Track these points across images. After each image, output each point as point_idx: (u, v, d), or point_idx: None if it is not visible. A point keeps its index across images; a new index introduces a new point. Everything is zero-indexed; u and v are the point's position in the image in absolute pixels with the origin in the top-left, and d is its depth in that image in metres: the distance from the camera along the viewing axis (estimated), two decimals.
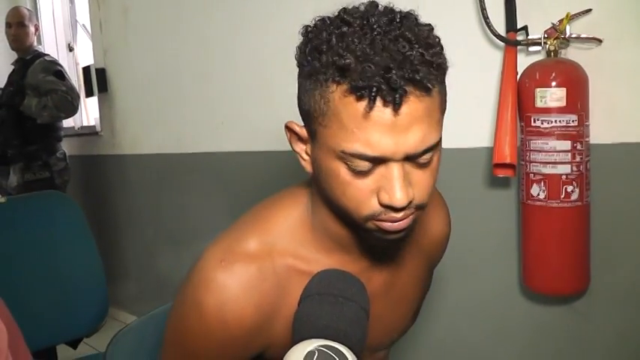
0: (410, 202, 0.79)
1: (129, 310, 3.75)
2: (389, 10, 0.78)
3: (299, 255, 0.92)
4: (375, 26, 0.74)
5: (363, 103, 0.73)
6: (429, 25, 0.79)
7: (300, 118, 0.86)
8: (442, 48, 0.78)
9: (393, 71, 0.71)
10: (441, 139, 0.80)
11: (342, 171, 0.78)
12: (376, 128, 0.74)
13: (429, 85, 0.74)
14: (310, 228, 0.93)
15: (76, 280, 2.10)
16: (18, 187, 3.50)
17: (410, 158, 0.77)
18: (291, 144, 0.88)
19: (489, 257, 1.95)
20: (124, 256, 3.83)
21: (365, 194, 0.79)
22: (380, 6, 0.80)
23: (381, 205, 0.79)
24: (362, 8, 0.79)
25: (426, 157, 0.79)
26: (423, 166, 0.79)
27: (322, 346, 0.71)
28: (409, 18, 0.77)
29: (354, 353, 0.74)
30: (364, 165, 0.77)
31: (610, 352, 1.72)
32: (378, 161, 0.76)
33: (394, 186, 0.77)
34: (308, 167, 0.87)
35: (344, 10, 0.79)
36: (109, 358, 1.23)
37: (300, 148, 0.87)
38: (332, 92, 0.75)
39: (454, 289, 2.06)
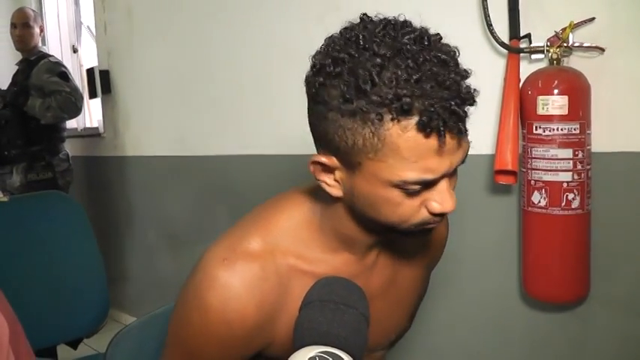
0: None
1: (130, 312, 3.75)
2: (404, 27, 0.78)
3: (301, 255, 0.94)
4: (410, 53, 0.74)
5: (432, 139, 0.75)
6: (439, 35, 0.80)
7: (319, 145, 0.86)
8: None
9: (453, 102, 0.73)
10: None
11: (394, 195, 0.80)
12: (438, 155, 0.77)
13: (476, 101, 0.78)
14: (317, 230, 0.95)
15: (77, 281, 2.10)
16: (21, 187, 3.51)
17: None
18: (315, 174, 0.88)
19: (490, 263, 1.96)
20: (125, 257, 3.83)
21: (415, 209, 0.82)
22: (386, 22, 0.79)
23: (432, 214, 0.83)
24: (371, 29, 0.78)
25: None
26: (454, 173, 0.83)
27: (323, 352, 0.72)
28: (427, 33, 0.78)
29: (355, 357, 0.74)
30: (419, 186, 0.79)
31: (609, 358, 1.72)
32: (434, 182, 0.80)
33: (446, 198, 0.81)
34: (336, 193, 0.87)
35: (359, 36, 0.77)
36: (109, 359, 1.24)
37: (326, 177, 0.87)
38: (388, 130, 0.75)
39: (454, 295, 2.06)
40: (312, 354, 0.72)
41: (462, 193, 1.92)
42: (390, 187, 0.79)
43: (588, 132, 1.58)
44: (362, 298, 0.81)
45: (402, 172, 0.77)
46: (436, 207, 0.81)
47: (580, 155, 1.56)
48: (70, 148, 3.79)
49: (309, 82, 0.82)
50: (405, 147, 0.75)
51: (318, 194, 0.95)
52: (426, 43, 0.76)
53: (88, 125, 4.36)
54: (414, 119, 0.73)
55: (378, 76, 0.73)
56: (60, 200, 2.25)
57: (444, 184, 0.80)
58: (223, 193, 2.95)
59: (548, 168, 1.58)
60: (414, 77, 0.73)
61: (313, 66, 0.81)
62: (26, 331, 0.91)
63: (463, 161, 0.81)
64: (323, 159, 0.84)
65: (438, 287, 2.02)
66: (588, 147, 1.58)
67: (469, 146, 0.82)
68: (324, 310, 0.77)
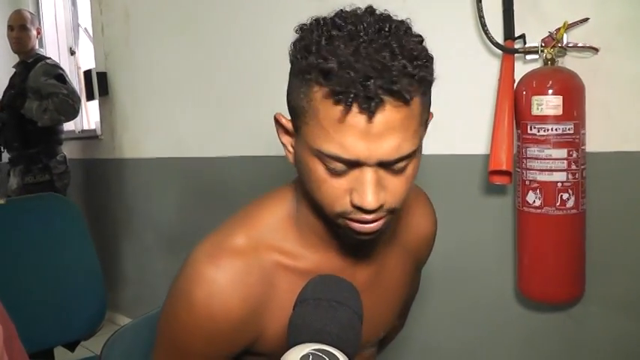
0: (381, 206, 0.82)
1: (127, 314, 3.76)
2: (383, 18, 0.80)
3: (285, 250, 0.96)
4: (362, 33, 0.76)
5: (340, 108, 0.76)
6: (419, 36, 0.81)
7: (288, 112, 0.88)
8: (430, 60, 0.80)
9: (372, 80, 0.73)
10: (418, 148, 0.83)
11: (319, 168, 0.82)
12: (350, 133, 0.77)
13: (407, 96, 0.75)
14: (296, 225, 0.97)
15: (74, 283, 2.10)
16: (18, 190, 3.52)
17: (384, 165, 0.80)
18: (278, 135, 0.92)
19: (485, 263, 1.96)
20: (122, 259, 3.84)
21: (338, 192, 0.82)
22: (377, 12, 0.82)
23: (352, 205, 0.82)
24: (358, 13, 0.82)
25: (401, 164, 0.81)
26: (397, 172, 0.82)
27: (316, 349, 0.72)
28: (400, 28, 0.79)
29: (348, 356, 0.75)
30: (339, 166, 0.80)
31: (605, 358, 1.72)
32: (352, 164, 0.79)
33: (366, 189, 0.80)
34: (291, 159, 0.90)
35: (340, 12, 0.82)
36: (104, 359, 1.24)
37: (287, 140, 0.91)
38: (314, 92, 0.78)
39: (449, 295, 2.07)
40: (305, 351, 0.72)
41: (457, 192, 1.95)
42: (315, 158, 0.81)
43: (583, 132, 1.58)
44: (355, 295, 0.82)
45: (319, 141, 0.79)
46: (355, 197, 0.80)
47: (574, 155, 1.57)
48: (67, 150, 3.79)
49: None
50: (323, 113, 0.78)
51: (300, 188, 0.96)
52: (385, 30, 0.77)
53: (85, 127, 4.36)
54: (332, 85, 0.75)
55: (325, 42, 0.77)
56: (57, 202, 2.25)
57: (368, 176, 0.79)
58: (221, 195, 2.95)
59: (543, 168, 1.58)
60: (351, 49, 0.75)
61: (294, 31, 0.86)
62: (23, 334, 0.91)
63: (398, 161, 0.80)
64: (283, 119, 0.89)
65: (433, 287, 2.03)
66: (583, 147, 1.59)
67: (408, 148, 0.79)
68: (318, 308, 0.78)
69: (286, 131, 0.90)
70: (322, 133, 0.78)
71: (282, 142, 0.92)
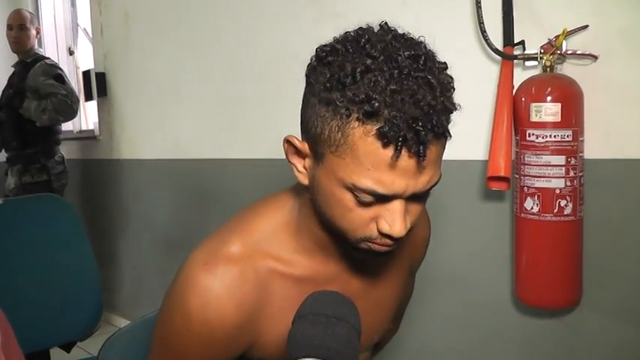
0: None
1: (124, 315, 3.75)
2: (410, 44, 0.79)
3: (280, 258, 0.96)
4: (400, 65, 0.75)
5: (389, 151, 0.75)
6: (445, 64, 0.81)
7: (300, 130, 0.87)
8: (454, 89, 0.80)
9: (420, 123, 0.73)
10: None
11: (346, 198, 0.81)
12: (397, 174, 0.77)
13: (448, 134, 0.77)
14: (294, 231, 0.97)
15: (71, 283, 2.09)
16: (16, 190, 3.51)
17: (415, 195, 0.81)
18: (287, 155, 0.90)
19: (482, 269, 1.96)
20: (119, 260, 3.83)
21: (364, 220, 0.83)
22: (397, 32, 0.81)
23: (380, 232, 0.83)
24: (380, 35, 0.80)
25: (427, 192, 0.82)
26: (419, 197, 0.83)
27: None
28: (430, 57, 0.78)
29: None
30: (371, 198, 0.80)
31: None
32: (387, 198, 0.80)
33: (396, 219, 0.81)
34: (303, 180, 0.89)
35: (363, 34, 0.80)
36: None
37: (297, 161, 0.89)
38: (352, 128, 0.76)
39: (447, 300, 2.07)
40: None
41: (456, 198, 1.95)
42: (344, 189, 0.81)
43: (581, 139, 1.59)
44: (353, 310, 0.82)
45: (356, 176, 0.78)
46: (384, 226, 0.82)
47: (573, 162, 1.57)
48: (65, 150, 3.78)
49: (308, 65, 0.84)
50: (363, 151, 0.76)
51: (298, 196, 0.97)
52: (421, 63, 0.76)
53: (83, 128, 4.36)
54: (377, 126, 0.74)
55: (360, 75, 0.75)
56: (54, 203, 2.24)
57: (397, 205, 0.81)
58: (218, 197, 2.95)
59: (541, 174, 1.59)
60: (392, 87, 0.74)
61: (316, 51, 0.83)
62: (19, 334, 0.91)
63: (427, 191, 0.81)
64: (296, 141, 0.86)
65: (430, 292, 2.03)
66: (581, 154, 1.59)
67: (437, 178, 0.81)
68: (316, 324, 0.78)
69: (298, 152, 0.88)
70: (359, 168, 0.77)
71: (290, 162, 0.90)
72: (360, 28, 0.83)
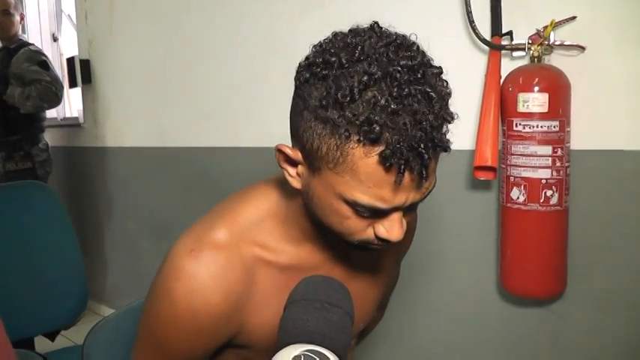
0: None
1: (108, 304, 3.74)
2: (405, 51, 0.77)
3: (266, 246, 0.96)
4: (399, 81, 0.73)
5: (391, 174, 0.75)
6: (440, 69, 0.80)
7: (291, 136, 0.86)
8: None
9: (422, 145, 0.73)
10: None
11: (344, 209, 0.81)
12: (400, 192, 0.77)
13: (449, 148, 0.77)
14: (281, 220, 0.97)
15: (55, 271, 2.08)
16: None
17: (412, 203, 0.81)
18: (278, 162, 0.88)
19: (468, 259, 1.97)
20: (104, 249, 3.81)
21: (362, 227, 0.84)
22: (391, 40, 0.78)
23: (377, 237, 0.84)
24: (373, 42, 0.77)
25: None
26: (418, 202, 0.83)
27: (308, 350, 0.72)
28: (426, 64, 0.77)
29: (339, 357, 0.75)
30: (370, 211, 0.80)
31: (585, 354, 1.74)
32: (386, 212, 0.80)
33: (394, 227, 0.82)
34: (296, 185, 0.88)
35: (358, 46, 0.77)
36: (87, 350, 1.23)
37: (289, 167, 0.88)
38: (352, 148, 0.75)
39: (433, 289, 2.07)
40: (297, 352, 0.72)
41: (442, 188, 1.94)
42: (342, 202, 0.80)
43: (568, 129, 1.59)
44: (346, 296, 0.82)
45: (356, 193, 0.78)
46: (382, 232, 0.83)
47: (559, 152, 1.58)
48: (49, 138, 3.76)
49: (298, 71, 0.82)
50: (364, 171, 0.76)
51: (285, 186, 0.96)
52: (419, 75, 0.75)
53: (67, 115, 4.32)
54: (379, 149, 0.73)
55: (358, 94, 0.73)
56: (36, 189, 2.22)
57: (396, 215, 0.82)
58: (203, 185, 2.94)
59: (528, 164, 1.59)
60: (392, 107, 0.72)
61: (307, 57, 0.81)
62: (4, 322, 0.90)
63: (423, 198, 0.82)
64: (288, 150, 0.85)
65: (416, 281, 2.04)
66: (567, 144, 1.60)
67: (433, 184, 0.81)
68: (309, 309, 0.77)
69: (290, 160, 0.86)
70: (361, 187, 0.77)
71: (282, 167, 0.88)
72: (351, 32, 0.81)
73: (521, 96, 1.58)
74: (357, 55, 0.76)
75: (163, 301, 0.92)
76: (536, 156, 1.58)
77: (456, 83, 1.88)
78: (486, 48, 1.77)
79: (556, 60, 1.66)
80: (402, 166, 0.73)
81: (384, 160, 0.73)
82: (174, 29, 3.01)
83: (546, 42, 1.63)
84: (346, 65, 0.76)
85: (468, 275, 1.98)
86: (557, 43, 1.64)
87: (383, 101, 0.72)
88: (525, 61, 1.69)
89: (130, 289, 3.45)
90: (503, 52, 1.73)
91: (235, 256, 0.92)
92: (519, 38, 1.70)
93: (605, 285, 1.68)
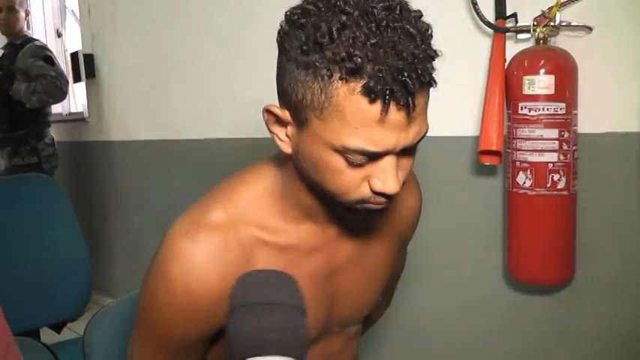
0: None
1: (115, 297, 3.71)
2: None
3: (265, 226, 0.94)
4: (377, 18, 0.73)
5: (376, 107, 0.73)
6: (419, 11, 0.78)
7: (279, 99, 0.85)
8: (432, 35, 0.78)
9: (406, 74, 0.71)
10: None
11: (336, 161, 0.79)
12: (389, 129, 0.75)
13: (434, 82, 0.75)
14: (279, 199, 0.95)
15: (59, 264, 2.08)
16: (6, 172, 3.50)
17: (404, 149, 0.79)
18: (267, 125, 0.87)
19: (474, 246, 1.95)
20: (110, 242, 3.82)
21: (356, 181, 0.81)
22: None
23: (373, 191, 0.81)
24: None
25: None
26: (409, 151, 0.81)
27: None
28: (404, 6, 0.76)
29: (296, 355, 0.71)
30: (363, 158, 0.78)
31: (593, 341, 1.72)
32: (378, 156, 0.78)
33: (389, 177, 0.79)
34: (286, 148, 0.86)
35: None
36: (87, 339, 1.23)
37: (279, 130, 0.87)
38: (336, 88, 0.74)
39: (438, 277, 2.06)
40: None
41: (447, 174, 1.93)
42: (333, 152, 0.78)
43: (575, 112, 1.56)
44: (290, 287, 0.77)
45: (344, 137, 0.76)
46: (377, 184, 0.80)
47: (566, 135, 1.55)
48: (55, 133, 3.77)
49: (278, 30, 0.81)
50: (349, 110, 0.74)
51: (281, 164, 0.94)
52: (397, 13, 0.74)
53: (72, 110, 4.32)
54: (362, 82, 0.72)
55: (337, 33, 0.73)
56: (40, 182, 2.21)
57: (389, 162, 0.79)
58: (208, 177, 2.92)
59: (534, 148, 1.56)
60: (372, 41, 0.71)
61: (286, 14, 0.80)
62: (7, 314, 0.89)
63: (416, 143, 0.80)
64: (277, 110, 0.84)
65: (421, 268, 2.02)
66: (574, 127, 1.57)
67: (425, 129, 0.80)
68: (250, 316, 0.72)
69: (279, 121, 0.85)
70: (348, 129, 0.75)
71: (271, 132, 0.87)
72: None
73: (527, 78, 1.55)
74: (333, 0, 0.75)
75: (159, 282, 0.91)
76: (543, 139, 1.55)
77: (460, 68, 1.87)
78: (490, 31, 1.74)
79: (562, 41, 1.63)
80: (387, 97, 0.72)
81: (368, 92, 0.72)
82: (177, 22, 3.00)
83: (552, 23, 1.61)
84: (324, 9, 0.76)
85: (473, 262, 1.96)
86: (563, 24, 1.62)
87: (362, 37, 0.72)
88: (530, 44, 1.67)
89: (136, 281, 3.39)
90: (507, 34, 1.71)
91: (232, 237, 0.91)
92: (524, 20, 1.68)
93: (614, 271, 1.66)
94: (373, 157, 0.78)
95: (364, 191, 0.82)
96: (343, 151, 0.77)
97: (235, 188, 0.97)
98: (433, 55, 0.75)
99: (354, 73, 0.72)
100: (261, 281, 0.77)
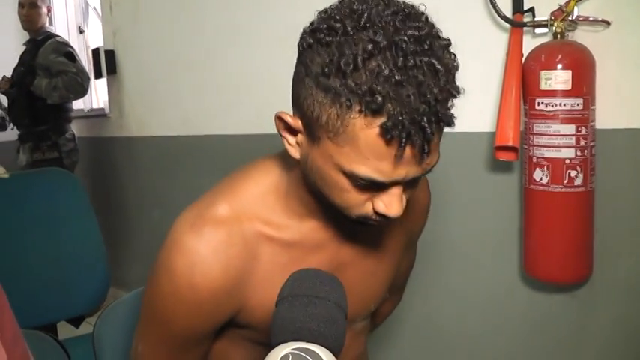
0: None
1: None
2: (413, 21, 0.74)
3: (269, 221, 0.94)
4: (405, 51, 0.70)
5: (392, 146, 0.73)
6: (449, 41, 0.76)
7: (292, 104, 0.84)
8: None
9: (426, 118, 0.70)
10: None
11: (343, 181, 0.79)
12: (401, 166, 0.75)
13: (453, 124, 0.75)
14: (283, 196, 0.95)
15: (77, 258, 2.11)
16: (27, 167, 3.55)
17: (413, 178, 0.79)
18: (278, 130, 0.87)
19: (490, 243, 1.93)
20: (130, 237, 3.85)
21: (360, 201, 0.82)
22: (399, 8, 0.75)
23: (376, 212, 0.82)
24: (379, 9, 0.74)
25: None
26: (419, 178, 0.81)
27: (296, 348, 0.71)
28: (434, 36, 0.74)
29: (332, 350, 0.73)
30: (370, 184, 0.78)
31: (611, 340, 1.69)
32: (384, 185, 0.78)
33: (393, 202, 0.80)
34: (294, 154, 0.86)
35: (364, 14, 0.73)
36: (97, 333, 1.24)
37: (289, 136, 0.86)
38: (353, 118, 0.73)
39: (454, 276, 2.04)
40: (284, 351, 0.70)
41: (463, 171, 1.92)
42: (341, 173, 0.78)
43: (592, 108, 1.54)
44: (335, 287, 0.79)
45: (355, 165, 0.76)
46: (381, 207, 0.81)
47: (583, 131, 1.52)
48: (76, 129, 3.80)
49: (301, 37, 0.80)
50: (364, 142, 0.73)
51: (286, 162, 0.94)
52: (426, 47, 0.72)
53: (94, 106, 4.36)
54: (381, 120, 0.71)
55: (362, 63, 0.71)
56: (59, 177, 2.24)
57: (395, 190, 0.79)
58: (228, 173, 2.92)
59: (551, 144, 1.54)
60: (396, 78, 0.70)
61: (312, 23, 0.79)
62: (25, 308, 0.91)
63: (425, 174, 0.79)
64: (289, 118, 0.83)
65: (436, 266, 2.00)
66: (592, 123, 1.54)
67: (437, 160, 0.79)
68: (296, 306, 0.75)
69: (289, 129, 0.84)
70: (360, 158, 0.75)
71: (282, 136, 0.87)
72: None
73: (544, 73, 1.53)
74: (362, 22, 0.73)
75: (164, 275, 0.92)
76: (560, 135, 1.53)
77: (477, 62, 1.85)
78: (507, 26, 1.72)
79: (580, 36, 1.61)
80: (404, 140, 0.71)
81: (385, 132, 0.71)
82: (198, 18, 3.01)
83: (569, 17, 1.58)
84: (351, 32, 0.73)
85: (490, 260, 1.94)
86: (580, 18, 1.59)
87: (387, 71, 0.70)
88: (548, 38, 1.64)
89: None
90: (524, 29, 1.69)
91: (236, 231, 0.91)
92: (541, 15, 1.65)
93: (633, 269, 1.63)
94: (381, 185, 0.78)
95: (367, 210, 0.82)
96: (351, 176, 0.77)
97: (240, 183, 0.97)
98: (455, 93, 0.74)
99: (373, 110, 0.71)
100: (312, 277, 0.79)
